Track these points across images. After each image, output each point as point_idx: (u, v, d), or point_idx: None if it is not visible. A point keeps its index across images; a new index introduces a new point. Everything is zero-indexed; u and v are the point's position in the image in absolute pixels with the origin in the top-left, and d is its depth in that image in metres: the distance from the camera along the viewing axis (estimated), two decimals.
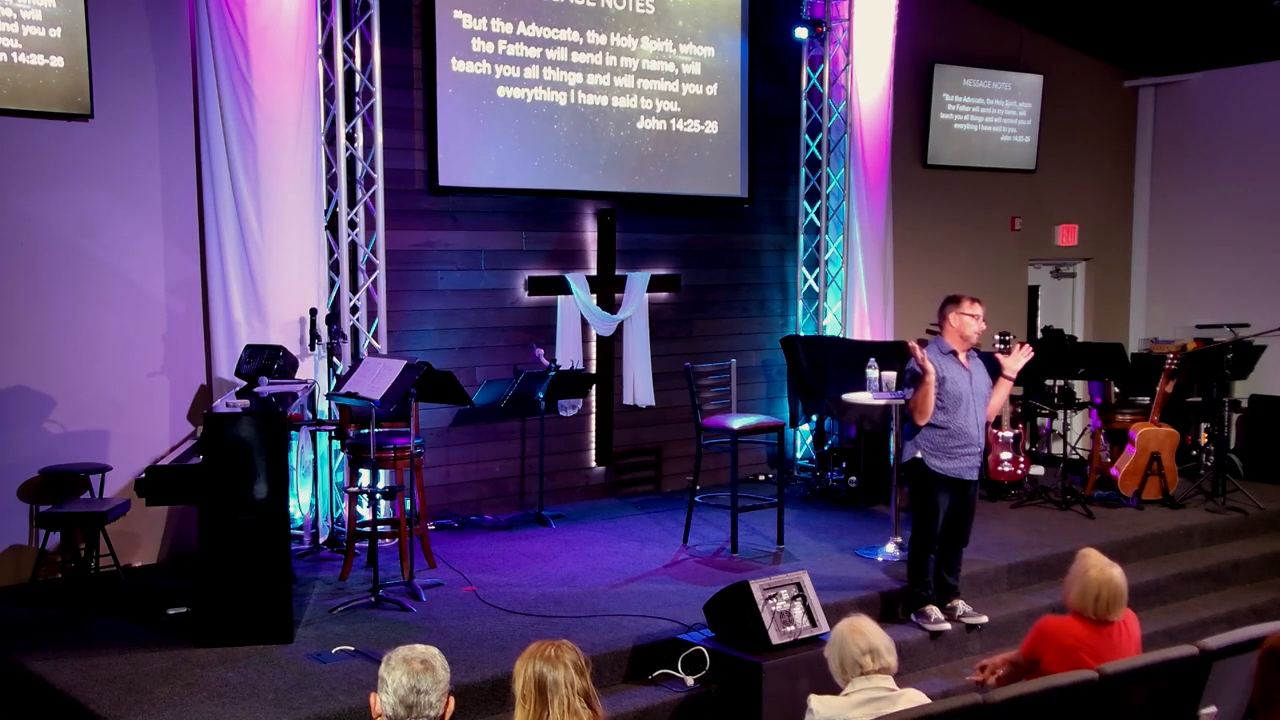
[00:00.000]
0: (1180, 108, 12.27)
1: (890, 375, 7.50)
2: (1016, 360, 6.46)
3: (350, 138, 7.61)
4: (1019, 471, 9.04)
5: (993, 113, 11.33)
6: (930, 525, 6.42)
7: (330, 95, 7.55)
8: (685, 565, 7.25)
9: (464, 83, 8.14)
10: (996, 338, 7.98)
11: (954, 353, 6.40)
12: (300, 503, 7.40)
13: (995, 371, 6.60)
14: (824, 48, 9.95)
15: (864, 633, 4.09)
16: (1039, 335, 11.61)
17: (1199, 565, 7.99)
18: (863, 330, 10.01)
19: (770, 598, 5.62)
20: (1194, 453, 9.85)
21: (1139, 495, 8.88)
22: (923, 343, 6.66)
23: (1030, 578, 7.33)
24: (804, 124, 10.04)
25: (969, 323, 6.39)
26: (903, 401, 6.68)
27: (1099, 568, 4.76)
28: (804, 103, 10.03)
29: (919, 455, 6.41)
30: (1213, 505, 8.88)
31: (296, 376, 7.00)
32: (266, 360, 6.70)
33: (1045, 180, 11.82)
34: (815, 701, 4.05)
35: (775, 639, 5.53)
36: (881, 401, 7.53)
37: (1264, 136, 11.51)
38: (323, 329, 7.42)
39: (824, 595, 6.06)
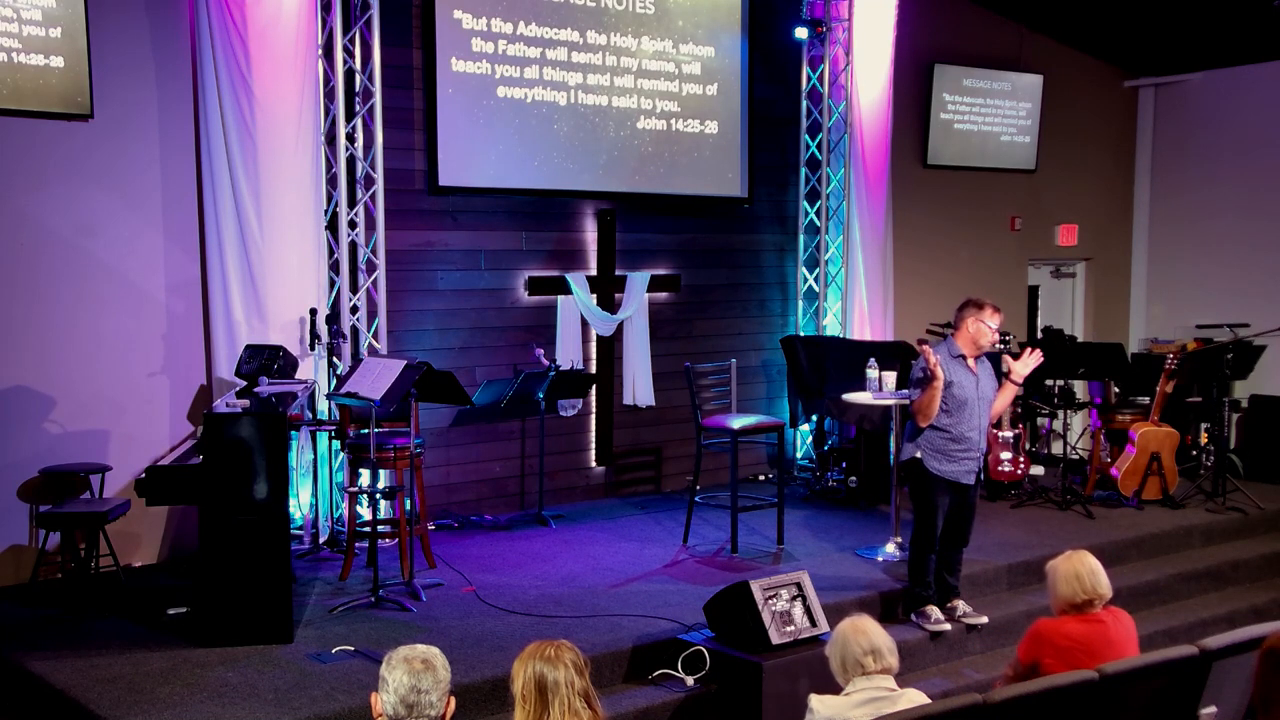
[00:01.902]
0: (1180, 108, 12.27)
1: (890, 375, 7.49)
2: (1025, 365, 6.36)
3: (350, 138, 7.61)
4: (1019, 471, 9.04)
5: (993, 113, 11.33)
6: (930, 525, 6.41)
7: (330, 95, 7.55)
8: (685, 565, 7.25)
9: (464, 83, 8.14)
10: (996, 337, 7.97)
11: (963, 356, 6.34)
12: (300, 503, 7.40)
13: (997, 369, 6.56)
14: (824, 48, 9.95)
15: (866, 633, 4.09)
16: (1039, 335, 11.61)
17: (1199, 565, 7.99)
18: (863, 330, 10.01)
19: (770, 598, 5.62)
20: (1194, 453, 9.84)
21: (1139, 495, 8.88)
22: (922, 342, 6.64)
23: (1030, 578, 7.31)
24: (804, 124, 10.04)
25: (985, 332, 6.30)
26: (904, 402, 6.66)
27: (1064, 556, 4.91)
28: (804, 103, 10.02)
29: (918, 455, 6.40)
30: (1213, 505, 8.88)
31: (296, 376, 7.00)
32: (266, 360, 6.70)
33: (1045, 180, 11.82)
34: (815, 701, 4.05)
35: (775, 639, 5.53)
36: (881, 401, 7.53)
37: (1264, 137, 11.51)
38: (323, 329, 7.42)
39: (824, 595, 6.06)
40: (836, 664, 4.12)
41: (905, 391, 6.66)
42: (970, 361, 6.35)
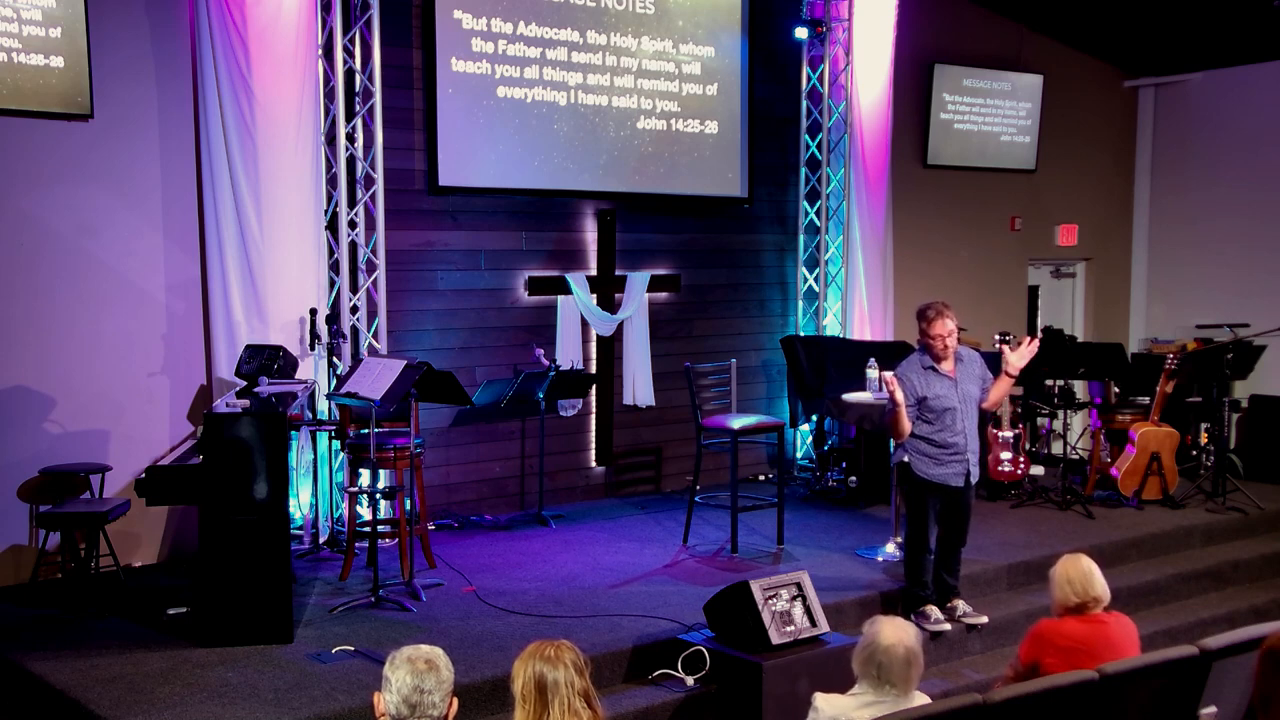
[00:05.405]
0: (1180, 108, 12.27)
1: (890, 376, 7.48)
2: (1020, 356, 6.26)
3: (350, 138, 7.61)
4: (1019, 471, 9.03)
5: (993, 113, 11.33)
6: (921, 528, 6.42)
7: (330, 95, 7.55)
8: (685, 565, 7.25)
9: (464, 83, 8.14)
10: (997, 337, 7.98)
11: (934, 368, 6.32)
12: (300, 503, 7.40)
13: (995, 367, 6.54)
14: (824, 48, 9.95)
15: (899, 647, 4.01)
16: (1039, 335, 11.60)
17: (1199, 565, 7.99)
18: (863, 330, 10.01)
19: (770, 598, 5.62)
20: (1194, 453, 9.84)
21: (1139, 495, 8.88)
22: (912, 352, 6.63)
23: (1030, 578, 7.32)
24: (804, 124, 10.04)
25: (933, 345, 6.27)
26: None
27: (1063, 561, 4.94)
28: (804, 103, 10.02)
29: (905, 460, 6.41)
30: (1213, 505, 8.88)
31: (296, 376, 7.00)
32: (266, 360, 6.70)
33: (1045, 180, 11.82)
34: (820, 700, 4.05)
35: (775, 639, 5.52)
36: (881, 401, 7.50)
37: (1264, 136, 11.51)
38: (323, 329, 7.42)
39: (824, 595, 6.06)
40: (860, 662, 4.06)
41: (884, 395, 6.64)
42: (945, 367, 6.33)
